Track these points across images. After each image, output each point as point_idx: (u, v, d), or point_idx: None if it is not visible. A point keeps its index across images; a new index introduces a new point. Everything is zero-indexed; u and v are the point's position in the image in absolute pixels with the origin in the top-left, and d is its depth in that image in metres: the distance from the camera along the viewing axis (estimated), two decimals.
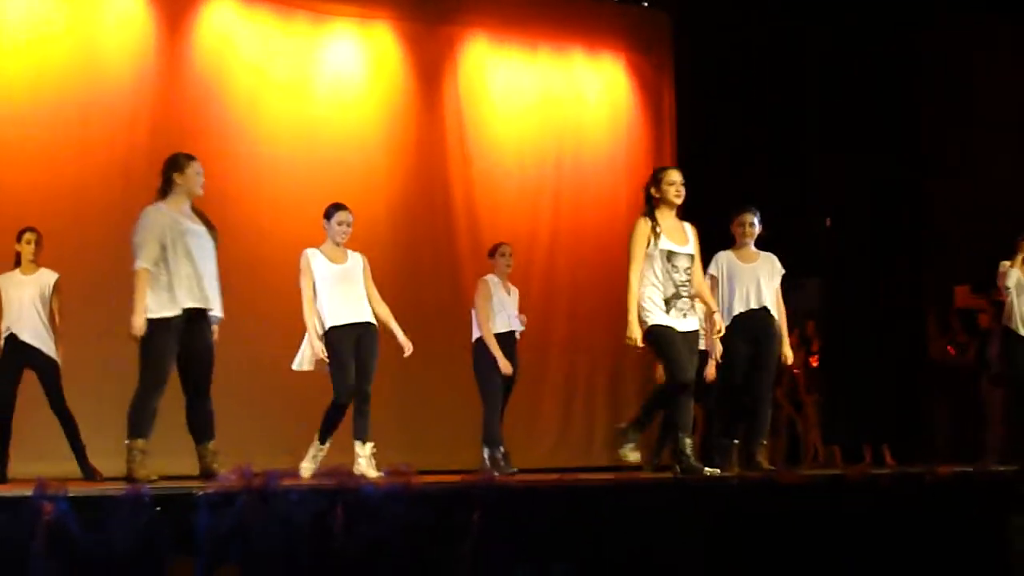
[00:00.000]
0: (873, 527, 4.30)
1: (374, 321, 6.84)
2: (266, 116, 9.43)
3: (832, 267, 10.94)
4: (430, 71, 10.25)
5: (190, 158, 5.92)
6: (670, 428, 8.73)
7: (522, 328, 7.85)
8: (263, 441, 8.08)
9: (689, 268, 6.14)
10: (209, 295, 5.79)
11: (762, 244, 7.02)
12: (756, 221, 7.00)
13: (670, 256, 6.10)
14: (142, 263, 5.68)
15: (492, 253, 8.00)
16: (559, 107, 10.92)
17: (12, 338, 7.14)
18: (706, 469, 6.04)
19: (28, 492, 3.29)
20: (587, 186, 10.91)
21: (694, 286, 6.17)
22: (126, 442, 5.64)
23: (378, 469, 6.56)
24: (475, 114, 10.47)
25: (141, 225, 5.74)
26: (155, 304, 5.67)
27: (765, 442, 6.94)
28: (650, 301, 6.05)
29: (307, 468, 6.71)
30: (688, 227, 6.26)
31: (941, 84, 10.79)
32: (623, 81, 11.30)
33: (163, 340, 5.67)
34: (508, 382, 7.71)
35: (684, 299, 6.11)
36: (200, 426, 5.81)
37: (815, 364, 10.57)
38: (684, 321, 6.12)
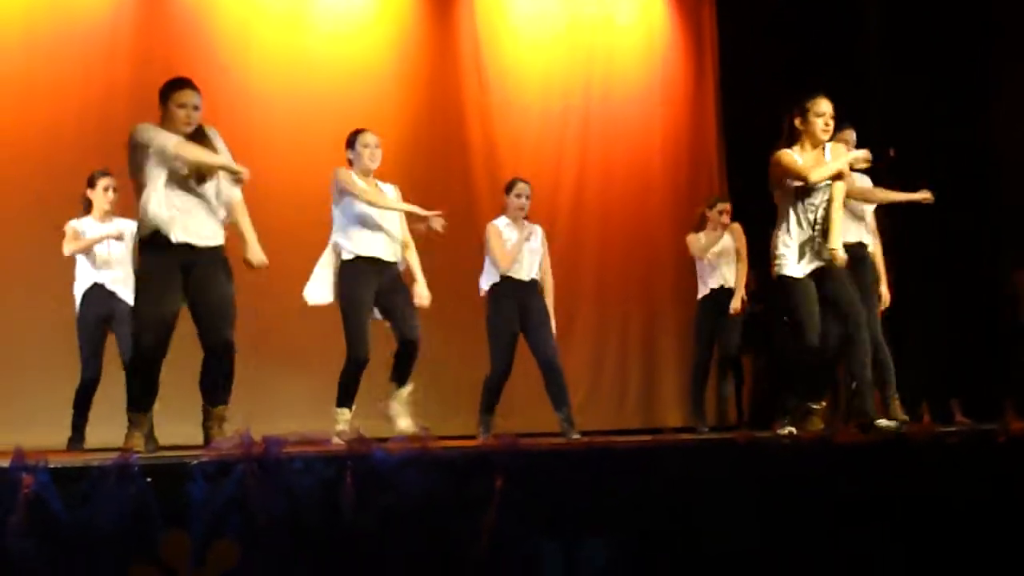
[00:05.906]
0: (940, 489, 4.31)
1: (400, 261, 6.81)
2: (258, 45, 9.41)
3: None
4: None
5: (173, 87, 5.62)
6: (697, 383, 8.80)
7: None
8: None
9: (823, 202, 6.27)
10: (196, 229, 5.53)
11: None
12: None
13: (811, 192, 6.24)
14: (169, 139, 5.45)
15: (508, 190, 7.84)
16: (587, 31, 10.88)
17: (99, 288, 7.15)
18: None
19: (5, 464, 3.32)
20: (618, 119, 10.88)
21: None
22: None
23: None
24: (493, 39, 10.44)
25: (139, 130, 5.49)
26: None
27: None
28: (783, 246, 6.24)
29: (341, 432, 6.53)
30: (829, 149, 6.39)
31: None
32: (659, 0, 11.24)
33: (153, 268, 5.48)
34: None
35: (817, 240, 6.27)
36: (207, 388, 5.62)
37: None
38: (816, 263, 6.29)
